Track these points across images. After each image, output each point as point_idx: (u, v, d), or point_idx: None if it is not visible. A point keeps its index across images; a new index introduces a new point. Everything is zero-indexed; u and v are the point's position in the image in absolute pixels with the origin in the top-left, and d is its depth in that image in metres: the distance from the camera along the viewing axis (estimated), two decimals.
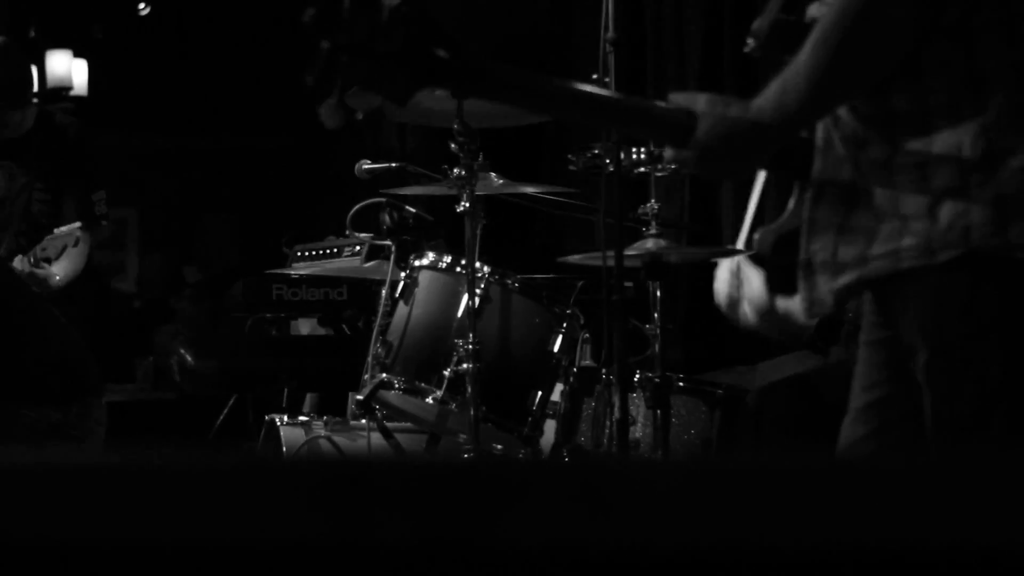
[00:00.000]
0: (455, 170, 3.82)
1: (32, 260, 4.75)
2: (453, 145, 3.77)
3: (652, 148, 3.86)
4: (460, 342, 3.73)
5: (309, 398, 5.98)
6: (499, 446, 4.00)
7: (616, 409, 3.46)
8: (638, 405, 3.88)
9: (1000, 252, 1.91)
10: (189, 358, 7.87)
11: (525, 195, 4.41)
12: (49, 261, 4.74)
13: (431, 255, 4.00)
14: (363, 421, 4.07)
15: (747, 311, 3.95)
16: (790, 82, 1.97)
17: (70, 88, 8.83)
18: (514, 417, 3.83)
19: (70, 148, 5.07)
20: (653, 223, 3.88)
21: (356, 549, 1.14)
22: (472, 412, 3.66)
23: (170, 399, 7.89)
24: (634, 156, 3.93)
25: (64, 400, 4.24)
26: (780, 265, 2.16)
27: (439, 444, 4.08)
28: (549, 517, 1.14)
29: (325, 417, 4.27)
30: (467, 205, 3.77)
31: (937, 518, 1.14)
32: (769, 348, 4.47)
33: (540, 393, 3.87)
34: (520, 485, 1.15)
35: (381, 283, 4.16)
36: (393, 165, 4.55)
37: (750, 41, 2.09)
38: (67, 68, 8.80)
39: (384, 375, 3.87)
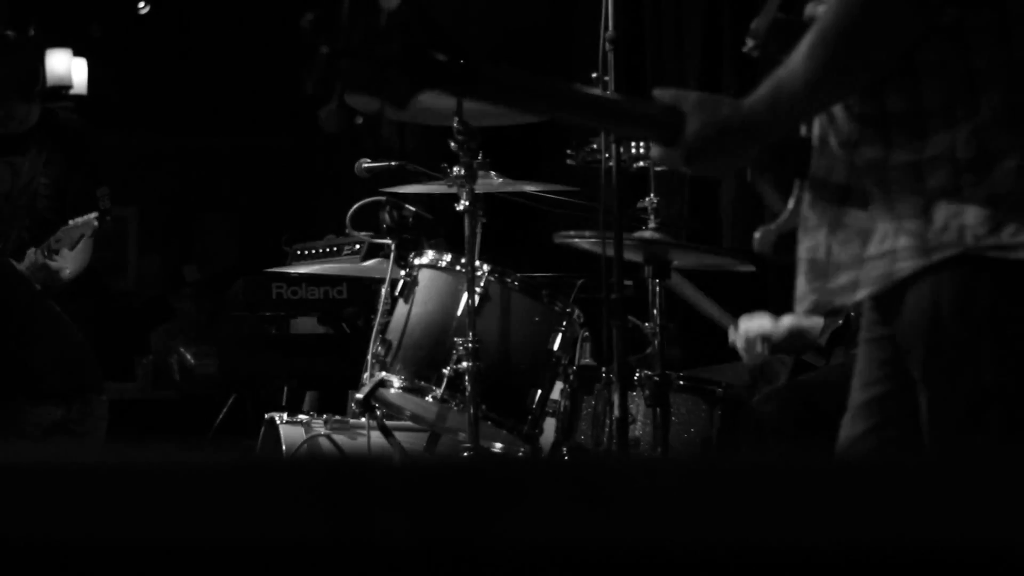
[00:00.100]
0: (455, 168, 3.83)
1: (45, 251, 4.78)
2: (453, 143, 3.78)
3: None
4: (460, 340, 3.73)
5: (309, 397, 5.99)
6: (499, 444, 4.00)
7: (616, 407, 3.46)
8: (638, 403, 3.88)
9: (994, 252, 1.92)
10: (189, 357, 7.88)
11: (525, 193, 4.41)
12: (60, 252, 4.76)
13: (431, 254, 4.00)
14: (363, 420, 4.07)
15: (759, 344, 3.95)
16: (784, 81, 1.97)
17: (69, 87, 8.81)
18: (514, 415, 3.84)
19: (74, 144, 5.10)
20: (652, 218, 3.89)
21: (356, 547, 1.14)
22: (472, 410, 3.66)
23: (170, 398, 7.90)
24: (633, 151, 3.94)
25: (66, 397, 4.25)
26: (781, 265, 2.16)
27: (439, 442, 4.08)
28: (549, 515, 1.14)
29: (325, 416, 4.27)
30: (467, 203, 3.77)
31: (935, 516, 1.14)
32: None
33: (540, 391, 3.87)
34: (520, 484, 1.16)
35: (381, 282, 4.16)
36: (393, 164, 4.55)
37: (749, 40, 2.09)
38: (66, 67, 8.79)
39: (384, 373, 3.87)
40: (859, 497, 1.16)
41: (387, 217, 4.23)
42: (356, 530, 1.13)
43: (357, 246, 5.37)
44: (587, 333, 4.05)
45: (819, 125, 2.08)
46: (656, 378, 3.75)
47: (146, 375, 8.20)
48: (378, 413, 3.98)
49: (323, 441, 4.17)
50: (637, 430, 3.90)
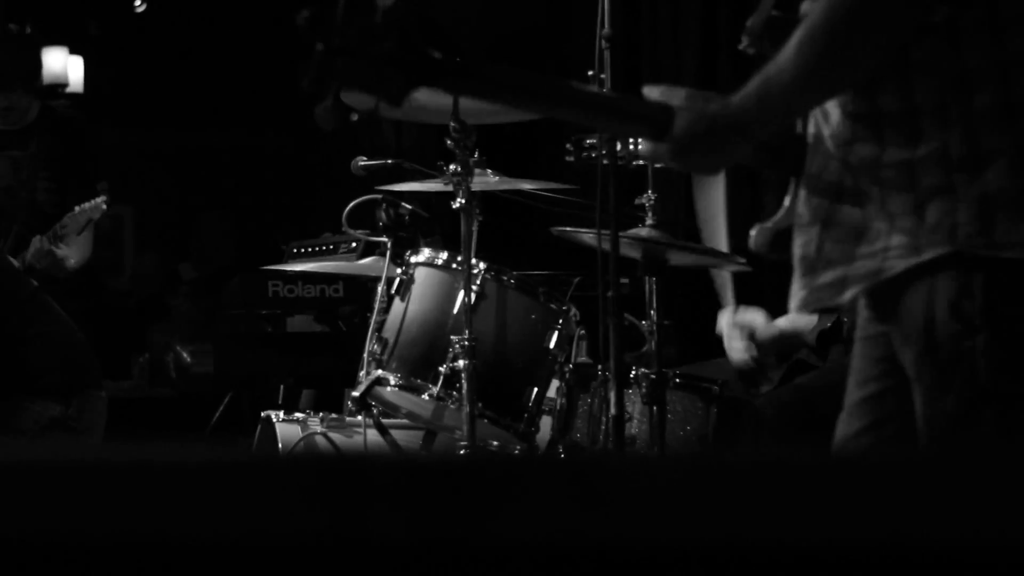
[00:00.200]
0: (451, 166, 3.82)
1: (51, 238, 4.80)
2: (449, 141, 3.77)
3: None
4: (456, 338, 3.73)
5: (305, 395, 5.99)
6: (495, 442, 4.00)
7: (612, 405, 3.46)
8: (634, 401, 3.88)
9: (986, 251, 1.92)
10: (185, 355, 7.87)
11: (521, 191, 4.41)
12: (66, 239, 4.79)
13: (427, 251, 4.00)
14: (359, 417, 4.07)
15: (742, 337, 3.95)
16: (774, 78, 1.97)
17: (66, 85, 8.80)
18: (510, 413, 3.84)
19: (73, 139, 5.14)
20: (649, 215, 3.89)
21: (351, 545, 1.14)
22: (468, 408, 3.66)
23: (166, 396, 7.88)
24: (631, 147, 3.94)
25: (65, 393, 4.25)
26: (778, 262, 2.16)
27: (435, 440, 4.08)
28: (545, 513, 1.14)
29: (321, 414, 4.27)
30: (463, 201, 3.77)
31: (931, 514, 1.15)
32: None
33: (536, 389, 3.87)
34: (516, 481, 1.16)
35: (377, 280, 4.16)
36: (389, 162, 4.55)
37: (745, 38, 2.09)
38: (63, 65, 8.78)
39: (380, 371, 3.87)
40: (856, 495, 1.16)
41: (383, 215, 4.23)
42: (352, 528, 1.14)
43: (353, 244, 5.36)
44: (583, 331, 4.05)
45: (814, 123, 2.09)
46: (652, 376, 3.75)
47: (142, 373, 8.19)
48: (374, 411, 3.99)
49: (319, 439, 4.17)
50: (633, 428, 3.90)
